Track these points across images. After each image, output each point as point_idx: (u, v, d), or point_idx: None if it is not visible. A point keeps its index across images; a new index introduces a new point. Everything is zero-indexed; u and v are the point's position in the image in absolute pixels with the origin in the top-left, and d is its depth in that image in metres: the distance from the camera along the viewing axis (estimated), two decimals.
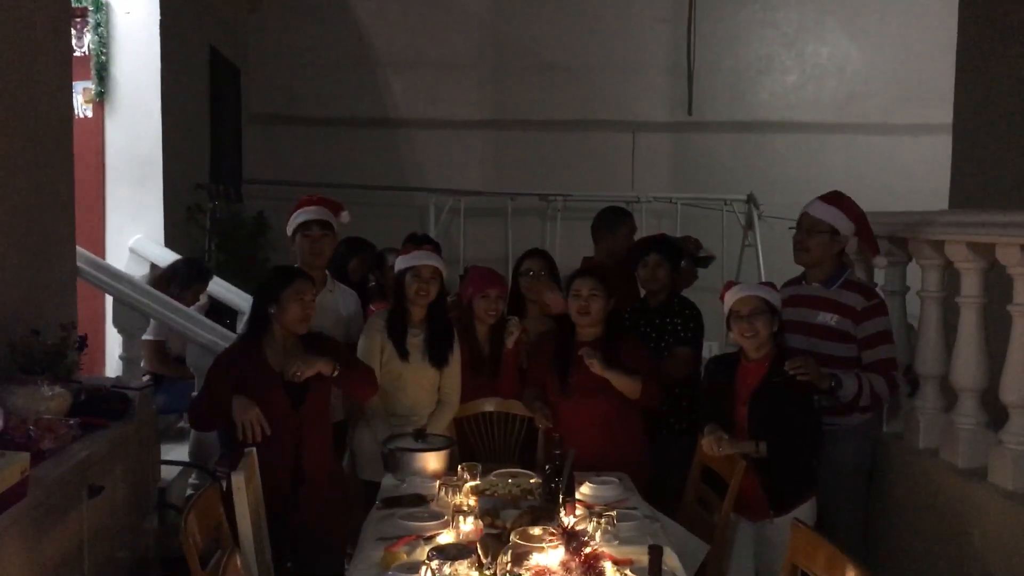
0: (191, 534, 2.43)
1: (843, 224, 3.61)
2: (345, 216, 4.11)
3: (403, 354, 3.82)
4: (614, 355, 3.68)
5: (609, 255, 4.62)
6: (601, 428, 3.70)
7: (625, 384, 3.64)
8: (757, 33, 8.44)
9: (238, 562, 2.33)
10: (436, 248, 4.92)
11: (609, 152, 8.34)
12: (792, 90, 8.46)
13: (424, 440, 3.60)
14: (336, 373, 3.43)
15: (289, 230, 4.01)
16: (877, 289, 3.96)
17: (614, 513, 2.97)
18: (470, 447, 3.97)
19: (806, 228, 3.67)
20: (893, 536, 3.65)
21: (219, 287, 5.48)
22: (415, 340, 3.85)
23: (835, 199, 3.67)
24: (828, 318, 3.61)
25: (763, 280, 6.50)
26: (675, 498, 3.59)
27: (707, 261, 5.11)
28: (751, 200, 7.70)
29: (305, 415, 3.40)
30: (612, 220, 4.69)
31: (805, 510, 3.32)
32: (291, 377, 3.35)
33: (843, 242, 3.64)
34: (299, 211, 4.00)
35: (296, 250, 4.00)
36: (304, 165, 7.94)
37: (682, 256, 4.47)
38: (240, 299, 5.37)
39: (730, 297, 3.44)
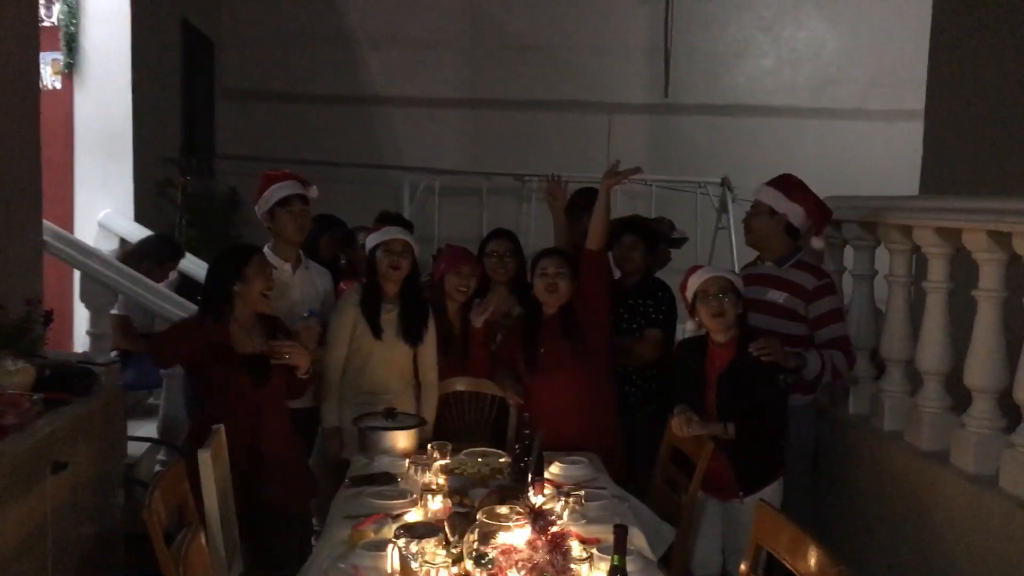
0: (155, 511, 2.41)
1: (782, 204, 3.73)
2: (313, 191, 4.06)
3: (376, 331, 3.79)
4: (576, 328, 3.74)
5: (584, 236, 4.61)
6: (571, 405, 3.72)
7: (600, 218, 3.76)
8: (734, 16, 8.44)
9: (202, 540, 2.32)
10: (408, 227, 4.88)
11: (585, 133, 8.31)
12: (768, 74, 8.47)
13: (394, 419, 3.60)
14: (306, 376, 3.47)
15: (265, 206, 3.91)
16: (846, 272, 4.02)
17: (582, 493, 2.99)
18: (441, 426, 3.97)
19: (750, 209, 3.85)
20: (856, 517, 3.69)
21: (190, 263, 5.43)
22: (388, 316, 3.82)
23: (778, 182, 3.80)
24: (777, 296, 3.70)
25: (736, 262, 6.55)
26: (646, 479, 3.62)
27: (680, 242, 5.13)
28: (725, 183, 7.72)
29: (264, 397, 3.38)
30: (588, 201, 4.67)
31: (772, 490, 3.36)
32: (271, 352, 3.35)
33: (782, 221, 3.74)
34: (276, 186, 3.91)
35: (273, 226, 3.92)
36: (278, 141, 7.85)
37: (658, 239, 4.48)
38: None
39: (696, 279, 3.45)
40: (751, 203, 3.88)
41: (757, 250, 3.89)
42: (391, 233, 3.85)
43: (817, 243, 3.85)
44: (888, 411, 3.61)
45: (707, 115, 8.36)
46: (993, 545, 2.83)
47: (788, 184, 3.78)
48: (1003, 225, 2.90)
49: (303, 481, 3.55)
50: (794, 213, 3.73)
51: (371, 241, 3.87)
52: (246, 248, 3.55)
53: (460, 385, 4.06)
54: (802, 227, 3.78)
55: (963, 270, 3.31)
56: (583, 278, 3.78)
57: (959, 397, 3.29)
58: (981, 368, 3.05)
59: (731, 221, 7.53)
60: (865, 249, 3.95)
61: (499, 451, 3.47)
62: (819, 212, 3.76)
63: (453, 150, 8.24)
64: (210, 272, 3.54)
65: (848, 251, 4.13)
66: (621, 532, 2.18)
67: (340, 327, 3.82)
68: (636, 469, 3.73)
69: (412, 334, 3.84)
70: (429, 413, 3.90)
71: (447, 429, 3.98)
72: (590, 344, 3.76)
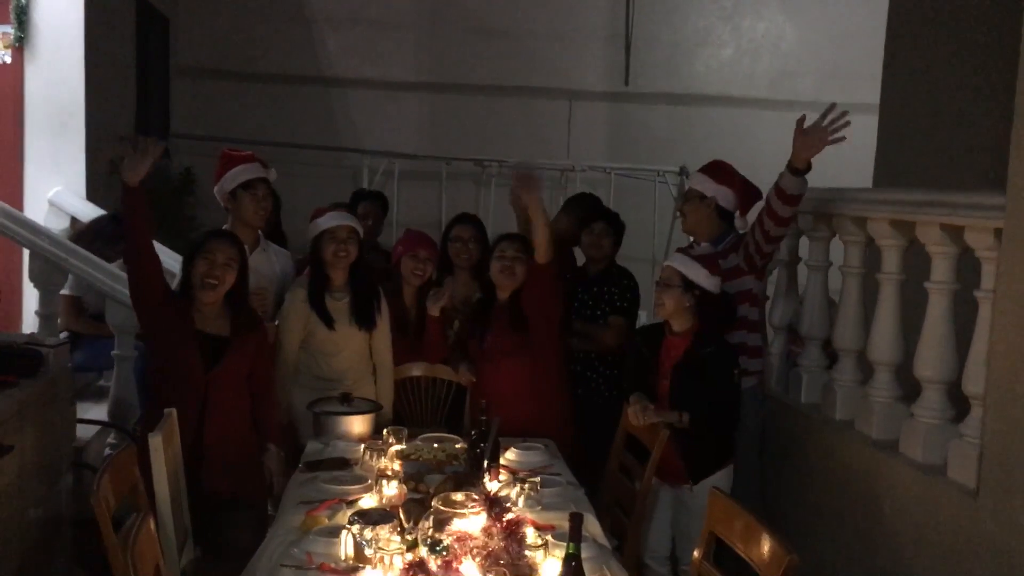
0: (103, 496, 2.37)
1: (709, 187, 3.82)
2: (272, 173, 4.01)
3: (328, 322, 3.73)
4: (523, 320, 3.74)
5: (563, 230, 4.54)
6: (519, 392, 3.72)
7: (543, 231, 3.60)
8: (695, 5, 8.47)
9: (152, 526, 2.28)
10: (384, 204, 4.79)
11: (545, 119, 8.31)
12: (727, 64, 8.52)
13: (350, 404, 3.58)
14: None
15: (226, 186, 3.82)
16: (801, 262, 4.08)
17: (538, 479, 3.00)
18: (397, 411, 3.96)
19: (682, 198, 3.93)
20: (806, 504, 3.74)
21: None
22: (339, 305, 3.77)
23: (705, 167, 3.91)
24: None
25: None
26: (604, 465, 3.63)
27: None
28: (683, 172, 7.77)
29: (214, 378, 3.32)
30: (580, 208, 4.59)
31: (721, 478, 3.39)
32: None
33: (711, 204, 3.81)
34: (239, 168, 3.83)
35: (234, 208, 3.83)
36: (234, 121, 7.73)
37: (624, 229, 4.47)
38: (166, 256, 5.22)
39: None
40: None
41: (693, 236, 3.94)
42: (336, 219, 3.76)
43: (740, 223, 3.92)
44: (839, 400, 3.65)
45: (667, 104, 8.39)
46: (941, 534, 2.89)
47: (714, 168, 3.87)
48: (956, 219, 2.94)
49: (254, 468, 3.47)
50: (723, 195, 3.81)
51: (314, 228, 3.78)
52: (209, 233, 3.49)
53: (416, 370, 4.04)
54: (733, 208, 3.86)
55: (916, 262, 3.35)
56: (530, 288, 3.72)
57: (910, 388, 3.34)
58: (931, 359, 3.10)
59: None
60: (819, 240, 3.99)
61: (455, 437, 3.46)
62: (745, 192, 3.85)
63: (413, 134, 8.19)
64: None
65: (803, 241, 4.17)
66: (576, 520, 2.18)
67: (289, 325, 3.75)
68: (597, 454, 3.74)
69: (365, 320, 3.79)
70: (385, 396, 3.87)
71: (403, 414, 3.97)
72: (538, 336, 3.76)
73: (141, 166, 3.26)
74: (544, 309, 3.75)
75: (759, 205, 3.75)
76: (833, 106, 3.46)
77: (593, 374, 4.17)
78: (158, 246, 5.23)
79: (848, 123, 3.41)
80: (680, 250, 3.72)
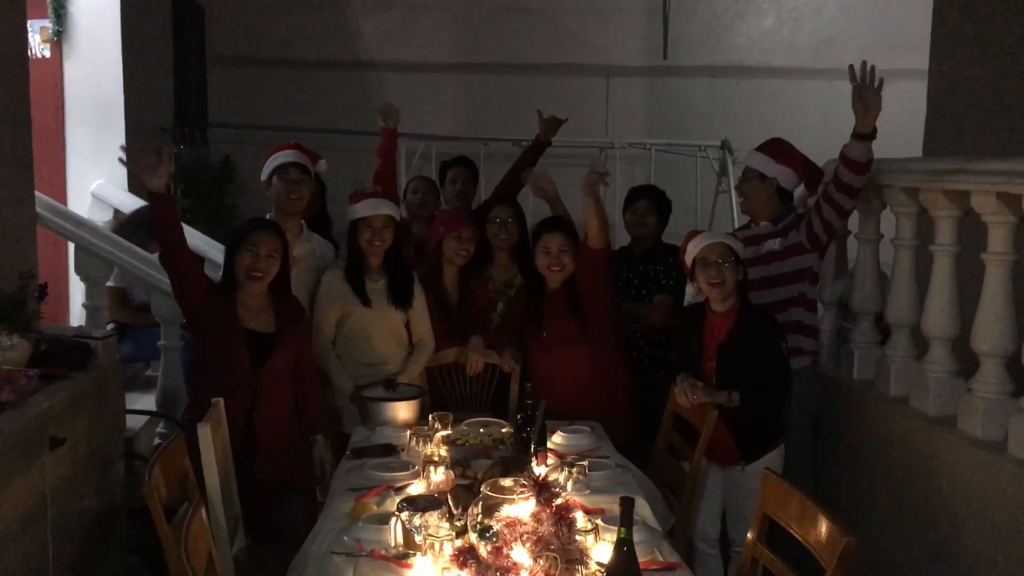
0: (155, 487, 2.38)
1: (770, 167, 3.75)
2: (322, 165, 4.01)
3: (366, 302, 3.74)
4: (579, 303, 3.70)
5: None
6: (579, 378, 3.70)
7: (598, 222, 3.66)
8: None
9: (204, 515, 2.29)
10: (473, 169, 4.86)
11: (583, 97, 8.20)
12: (768, 34, 8.36)
13: (394, 390, 3.57)
14: None
15: (264, 174, 3.87)
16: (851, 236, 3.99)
17: (586, 463, 2.97)
18: (441, 396, 3.95)
19: (741, 176, 3.88)
20: (860, 482, 3.68)
21: (185, 234, 5.36)
22: (376, 286, 3.77)
23: (765, 146, 3.83)
24: (773, 243, 3.72)
25: (736, 225, 6.49)
26: (652, 445, 3.60)
27: None
28: (725, 146, 7.64)
29: (264, 375, 3.33)
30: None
31: (773, 458, 3.34)
32: None
33: (772, 184, 3.75)
34: (275, 155, 3.88)
35: (271, 195, 3.87)
36: (272, 108, 7.74)
37: (670, 207, 4.41)
38: (207, 245, 5.27)
39: (695, 245, 3.41)
40: (743, 169, 3.87)
41: (752, 215, 3.88)
42: (372, 208, 3.74)
43: (812, 202, 3.84)
44: (894, 376, 3.58)
45: (706, 77, 8.26)
46: (1001, 511, 2.81)
47: (775, 147, 3.79)
48: (1013, 187, 2.85)
49: (303, 454, 3.48)
50: (784, 175, 3.75)
51: (350, 214, 3.78)
52: (250, 223, 3.48)
53: (462, 356, 4.02)
54: (793, 188, 3.79)
55: (970, 233, 3.26)
56: (581, 272, 3.74)
57: (966, 362, 3.25)
58: (989, 332, 3.02)
59: (731, 184, 7.46)
60: (870, 212, 3.90)
61: (501, 421, 3.44)
62: (808, 171, 3.78)
63: (449, 115, 8.15)
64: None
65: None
66: (628, 504, 2.14)
67: (326, 305, 3.75)
68: (644, 434, 3.70)
69: (402, 299, 3.79)
70: (415, 369, 3.85)
71: (448, 399, 3.96)
72: (595, 321, 3.72)
73: (162, 169, 3.24)
74: (599, 293, 3.74)
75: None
76: (864, 66, 3.43)
77: (639, 354, 4.13)
78: (197, 235, 5.31)
79: (882, 80, 3.40)
80: (733, 232, 3.67)
